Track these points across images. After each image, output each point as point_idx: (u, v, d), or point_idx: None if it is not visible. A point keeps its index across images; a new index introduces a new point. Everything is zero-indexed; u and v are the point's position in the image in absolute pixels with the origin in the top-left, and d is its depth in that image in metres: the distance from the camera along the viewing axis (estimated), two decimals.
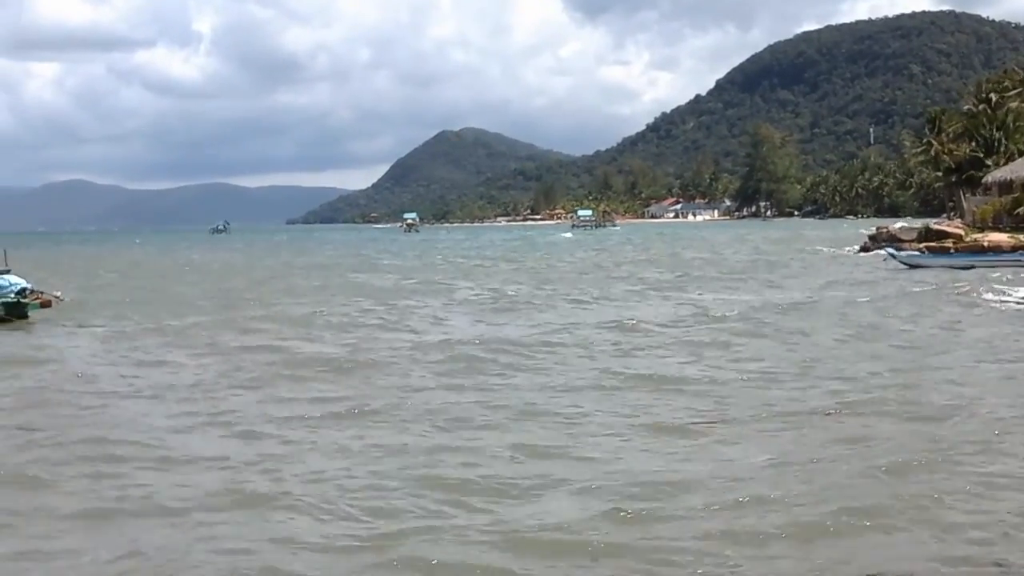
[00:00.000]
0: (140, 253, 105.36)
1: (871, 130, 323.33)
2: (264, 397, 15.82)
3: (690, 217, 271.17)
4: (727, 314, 26.38)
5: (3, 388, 17.42)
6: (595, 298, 33.51)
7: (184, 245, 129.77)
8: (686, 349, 20.17)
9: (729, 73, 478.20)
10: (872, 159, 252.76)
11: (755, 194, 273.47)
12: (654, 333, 22.90)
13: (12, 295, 28.55)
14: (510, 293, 36.21)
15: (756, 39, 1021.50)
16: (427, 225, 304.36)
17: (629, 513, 9.46)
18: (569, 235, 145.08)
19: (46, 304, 29.59)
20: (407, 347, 21.05)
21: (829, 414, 13.40)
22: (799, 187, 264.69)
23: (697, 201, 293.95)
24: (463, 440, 12.64)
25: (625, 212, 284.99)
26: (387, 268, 60.17)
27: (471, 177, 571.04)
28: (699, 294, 34.10)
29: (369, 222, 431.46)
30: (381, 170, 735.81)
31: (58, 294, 31.08)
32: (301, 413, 14.27)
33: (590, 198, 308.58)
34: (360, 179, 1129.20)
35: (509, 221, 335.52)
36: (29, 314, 28.86)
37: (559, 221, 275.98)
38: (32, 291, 29.49)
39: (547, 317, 27.45)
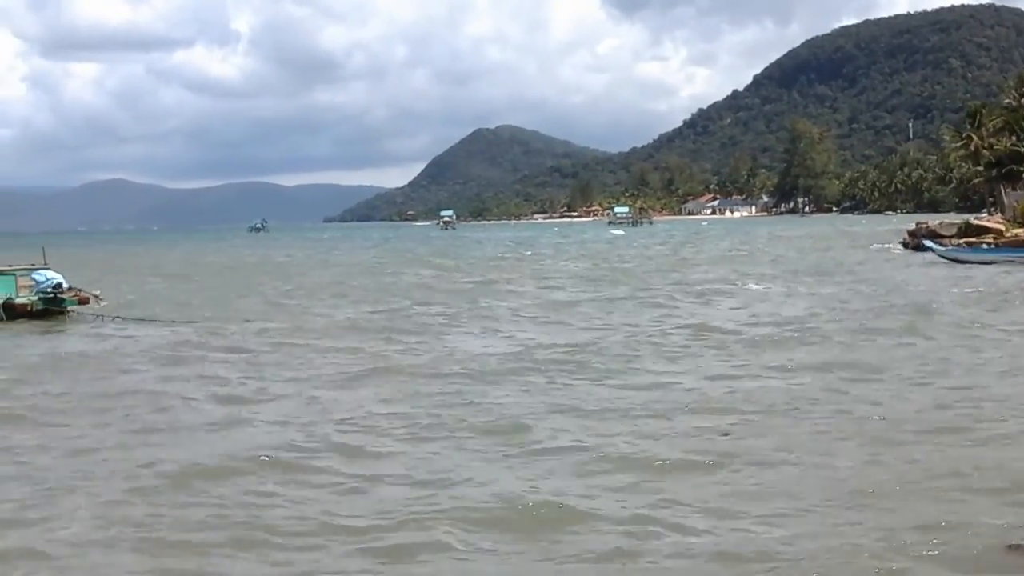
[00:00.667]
0: (187, 251, 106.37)
1: (910, 125, 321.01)
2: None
3: (727, 213, 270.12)
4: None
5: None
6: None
7: (233, 244, 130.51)
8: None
9: (766, 68, 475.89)
10: (911, 154, 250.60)
11: (793, 190, 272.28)
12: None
13: (49, 290, 29.17)
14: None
15: (794, 34, 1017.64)
16: (463, 223, 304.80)
17: None
18: (620, 232, 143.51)
19: (83, 300, 30.21)
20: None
21: None
22: (837, 182, 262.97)
23: (734, 197, 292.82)
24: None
25: (662, 209, 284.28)
26: (469, 268, 59.11)
27: (507, 175, 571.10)
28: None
29: (406, 220, 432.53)
30: (418, 168, 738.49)
31: (97, 292, 31.57)
32: None
33: (627, 195, 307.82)
34: (397, 177, 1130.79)
35: (545, 218, 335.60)
36: (67, 309, 29.50)
37: (596, 218, 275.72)
38: (70, 287, 30.04)
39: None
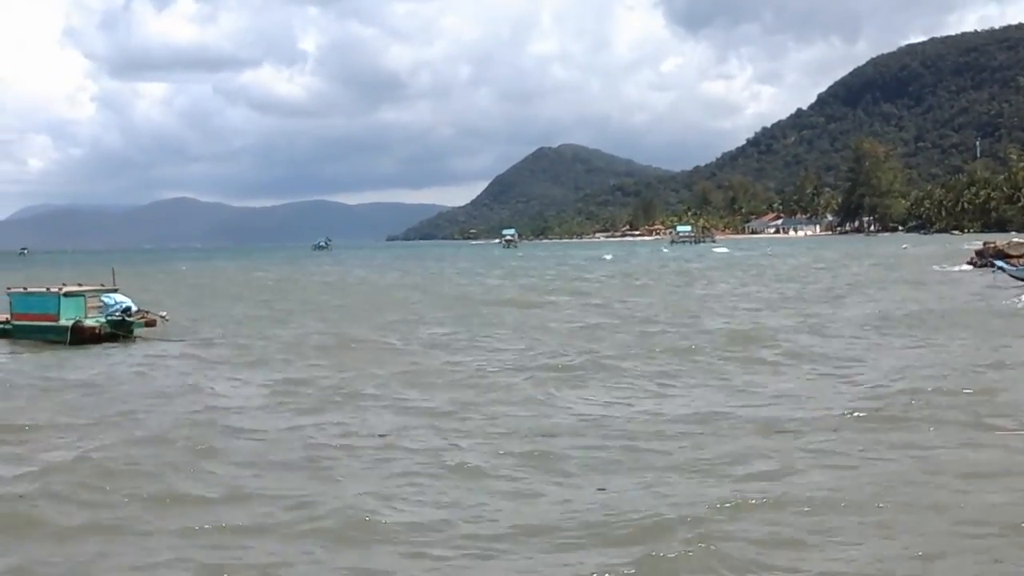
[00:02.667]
0: (255, 269, 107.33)
1: (977, 143, 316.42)
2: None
3: (791, 232, 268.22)
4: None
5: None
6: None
7: (318, 264, 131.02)
8: None
9: (831, 87, 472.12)
10: (978, 173, 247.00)
11: (858, 209, 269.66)
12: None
13: (118, 313, 29.54)
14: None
15: (861, 51, 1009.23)
16: (525, 241, 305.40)
17: None
18: (721, 251, 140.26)
19: (151, 323, 30.53)
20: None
21: None
22: (903, 201, 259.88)
23: (798, 216, 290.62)
24: None
25: (725, 228, 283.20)
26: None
27: (569, 193, 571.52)
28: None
29: (468, 238, 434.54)
30: (480, 186, 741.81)
31: (163, 314, 31.89)
32: None
33: (689, 213, 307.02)
34: (459, 196, 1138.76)
35: (607, 236, 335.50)
36: (134, 332, 29.88)
37: (658, 237, 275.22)
38: (138, 310, 30.44)
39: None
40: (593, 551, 9.67)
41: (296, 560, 9.73)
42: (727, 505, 10.85)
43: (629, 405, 17.40)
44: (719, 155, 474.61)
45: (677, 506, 10.90)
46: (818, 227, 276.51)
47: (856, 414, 15.69)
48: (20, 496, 12.24)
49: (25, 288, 32.17)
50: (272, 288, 64.01)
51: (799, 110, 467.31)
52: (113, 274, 32.85)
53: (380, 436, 14.89)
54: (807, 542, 9.76)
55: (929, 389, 17.58)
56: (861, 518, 10.39)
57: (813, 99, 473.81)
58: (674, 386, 19.32)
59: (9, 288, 32.47)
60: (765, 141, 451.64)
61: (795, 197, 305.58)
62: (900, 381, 18.66)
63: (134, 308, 30.25)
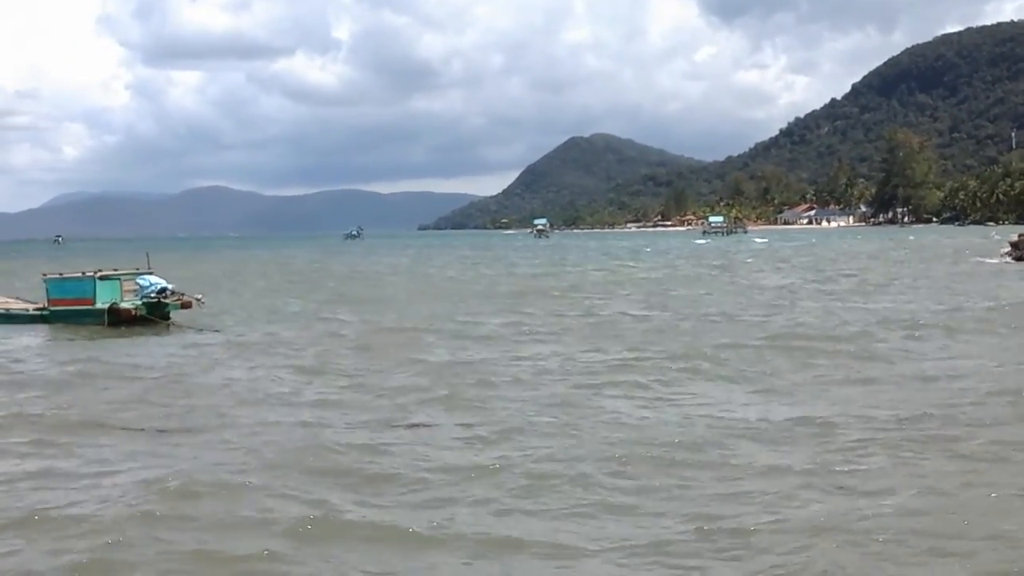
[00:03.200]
0: (289, 257, 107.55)
1: (1013, 134, 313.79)
2: None
3: (824, 223, 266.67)
4: None
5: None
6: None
7: (347, 252, 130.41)
8: None
9: (866, 77, 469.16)
10: (1014, 164, 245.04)
11: (892, 200, 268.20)
12: None
13: (153, 294, 29.75)
14: None
15: (898, 41, 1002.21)
16: (557, 231, 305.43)
17: None
18: (762, 241, 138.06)
19: (186, 305, 30.57)
20: None
21: None
22: (938, 193, 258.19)
23: (831, 207, 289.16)
24: None
25: (757, 218, 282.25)
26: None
27: (601, 183, 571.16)
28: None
29: (499, 228, 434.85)
30: (512, 176, 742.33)
31: (199, 296, 31.89)
32: None
33: (721, 204, 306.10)
34: (491, 185, 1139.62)
35: (639, 227, 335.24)
36: (171, 314, 30.10)
37: (689, 227, 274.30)
38: (173, 292, 30.60)
39: None
40: None
41: None
42: None
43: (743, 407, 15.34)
44: (752, 145, 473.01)
45: None
46: (851, 218, 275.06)
47: None
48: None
49: (61, 274, 32.45)
50: (318, 276, 63.51)
51: (833, 100, 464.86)
52: (148, 258, 33.00)
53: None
54: None
55: None
56: None
57: (847, 89, 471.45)
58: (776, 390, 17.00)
59: (45, 274, 32.79)
60: (798, 131, 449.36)
61: (828, 188, 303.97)
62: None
63: (169, 289, 30.41)
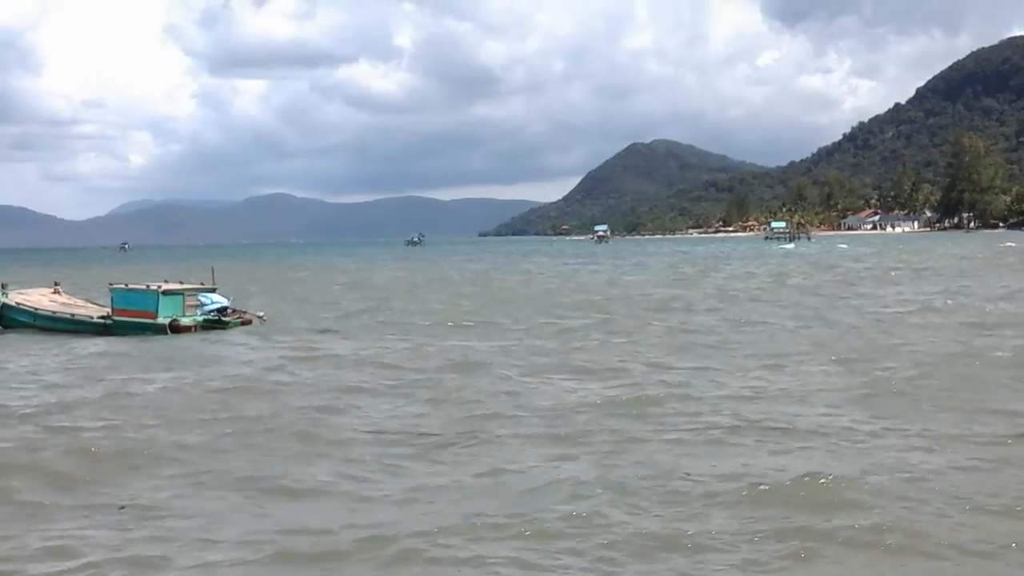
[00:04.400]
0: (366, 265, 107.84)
1: None
2: None
3: (888, 229, 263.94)
4: None
5: None
6: None
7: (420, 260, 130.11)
8: None
9: (931, 81, 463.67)
10: None
11: (957, 205, 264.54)
12: None
13: (213, 313, 30.23)
14: None
15: (963, 44, 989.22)
16: (617, 237, 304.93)
17: None
18: (844, 246, 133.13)
19: (246, 323, 31.20)
20: None
21: None
22: (1004, 198, 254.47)
23: (895, 212, 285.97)
24: None
25: (820, 224, 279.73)
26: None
27: (662, 189, 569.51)
28: None
29: (560, 234, 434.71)
30: (572, 182, 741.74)
31: (261, 314, 32.52)
32: None
33: (784, 209, 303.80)
34: (552, 191, 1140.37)
35: (700, 233, 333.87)
36: (230, 331, 30.54)
37: (752, 233, 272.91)
38: (234, 310, 31.08)
39: None
40: None
41: None
42: None
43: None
44: (815, 150, 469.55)
45: None
46: (916, 223, 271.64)
47: None
48: None
49: (126, 285, 33.03)
50: (401, 286, 61.07)
51: (897, 104, 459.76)
52: (212, 273, 33.47)
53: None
54: None
55: None
56: None
57: (912, 93, 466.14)
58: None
59: (111, 284, 33.43)
60: (862, 136, 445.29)
61: (892, 193, 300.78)
62: None
63: (230, 308, 30.93)
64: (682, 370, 20.11)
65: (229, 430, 15.07)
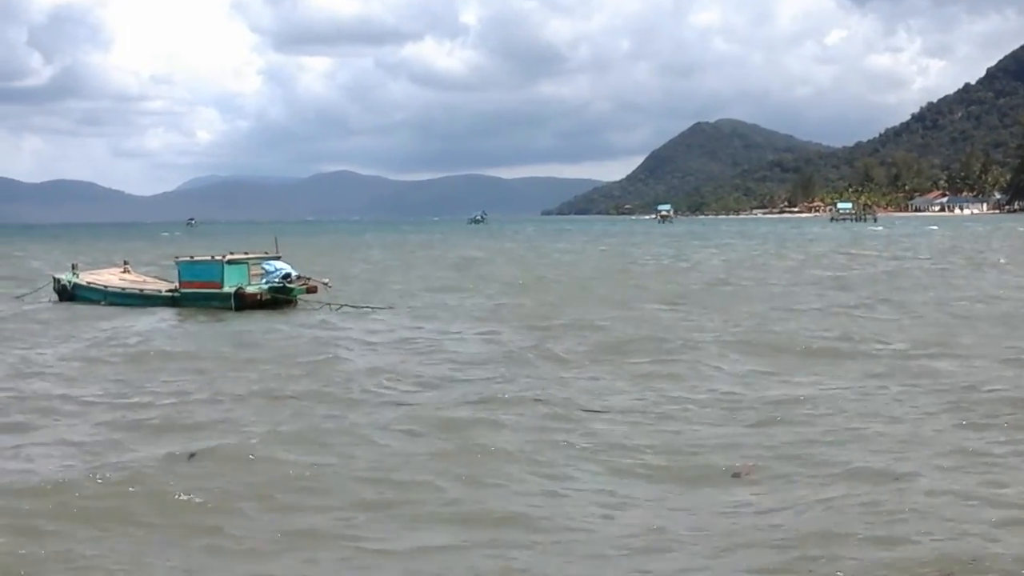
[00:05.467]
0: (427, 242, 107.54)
1: None
2: None
3: (956, 211, 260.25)
4: None
5: None
6: None
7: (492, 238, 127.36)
8: None
9: (1002, 60, 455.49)
10: None
11: None
12: None
13: (278, 280, 30.72)
14: None
15: None
16: (681, 217, 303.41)
17: None
18: (935, 227, 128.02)
19: (312, 289, 31.57)
20: None
21: None
22: None
23: (964, 194, 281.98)
24: None
25: (887, 205, 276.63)
26: None
27: (727, 169, 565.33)
28: None
29: (623, 213, 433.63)
30: (636, 161, 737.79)
31: (326, 280, 32.91)
32: None
33: (850, 190, 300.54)
34: (615, 170, 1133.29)
35: (765, 213, 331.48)
36: (296, 298, 31.15)
37: (817, 214, 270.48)
38: (299, 276, 31.56)
39: None
40: None
41: None
42: None
43: None
44: (882, 131, 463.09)
45: None
46: (985, 205, 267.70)
47: None
48: None
49: (192, 257, 33.79)
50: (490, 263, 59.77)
51: (967, 84, 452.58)
52: (275, 242, 33.80)
53: None
54: None
55: None
56: None
57: (982, 73, 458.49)
58: None
59: (177, 257, 34.15)
60: (931, 116, 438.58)
61: (961, 174, 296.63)
62: None
63: (294, 275, 31.33)
64: None
65: None
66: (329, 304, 30.43)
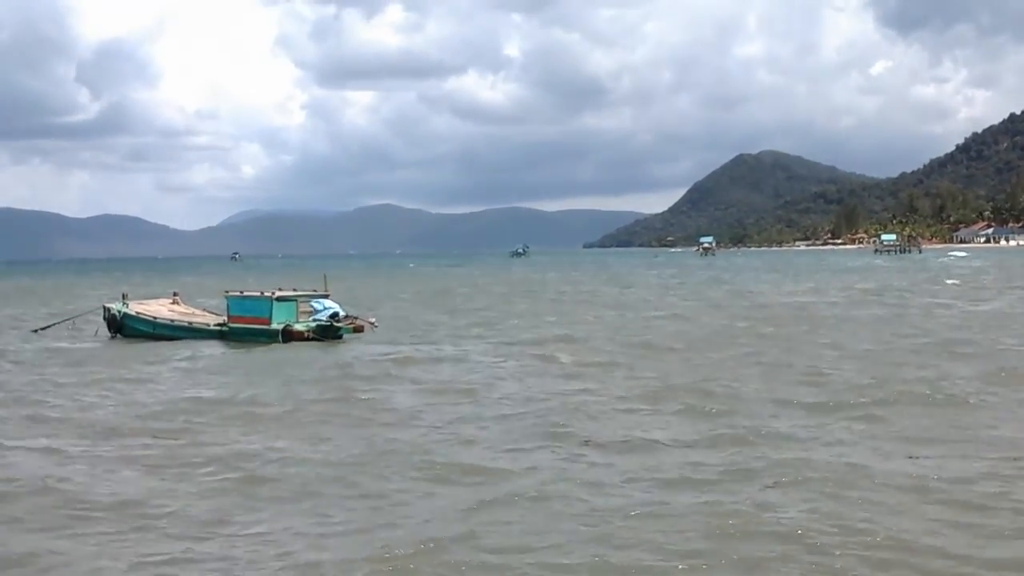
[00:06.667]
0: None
1: None
2: None
3: (1003, 242, 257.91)
4: None
5: None
6: None
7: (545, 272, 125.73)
8: None
9: None
10: None
11: None
12: None
13: (325, 319, 30.99)
14: None
15: None
16: (723, 249, 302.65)
17: None
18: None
19: (359, 329, 31.91)
20: None
21: None
22: None
23: (1010, 225, 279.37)
24: None
25: (931, 236, 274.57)
26: None
27: (769, 200, 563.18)
28: None
29: (664, 246, 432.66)
30: (678, 193, 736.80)
31: (372, 320, 33.29)
32: None
33: (894, 222, 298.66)
34: (657, 203, 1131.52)
35: (808, 245, 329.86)
36: (343, 336, 31.46)
37: (860, 246, 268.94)
38: (346, 316, 31.83)
39: None
40: None
41: None
42: None
43: None
44: (927, 161, 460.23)
45: None
46: None
47: None
48: None
49: (241, 292, 34.27)
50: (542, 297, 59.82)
51: (1012, 115, 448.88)
52: (325, 280, 34.14)
53: None
54: None
55: None
56: None
57: None
58: None
59: (227, 291, 34.75)
60: (975, 147, 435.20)
61: (1007, 205, 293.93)
62: None
63: (342, 314, 31.62)
64: None
65: None
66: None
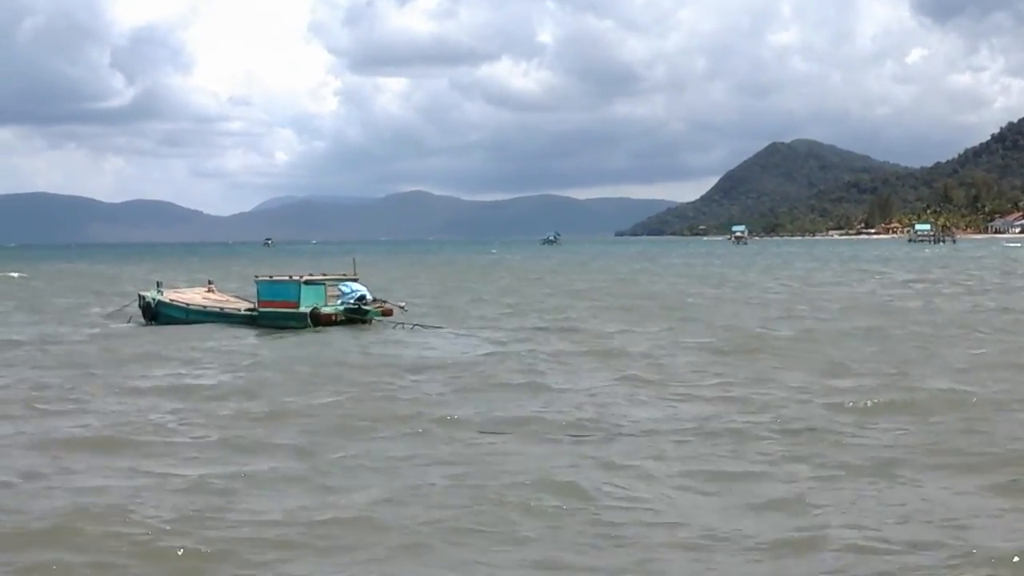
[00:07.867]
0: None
1: None
2: None
3: None
4: None
5: None
6: None
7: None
8: None
9: None
10: None
11: None
12: None
13: (353, 301, 31.22)
14: None
15: None
16: (756, 238, 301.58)
17: None
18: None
19: (387, 312, 32.04)
20: None
21: None
22: None
23: None
24: None
25: (966, 227, 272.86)
26: None
27: (802, 190, 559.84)
28: None
29: (696, 234, 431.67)
30: (711, 182, 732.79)
31: (402, 304, 33.59)
32: None
33: (928, 212, 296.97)
34: (689, 191, 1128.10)
35: (841, 234, 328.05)
36: (371, 319, 31.63)
37: (894, 236, 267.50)
38: (375, 299, 32.06)
39: None
40: None
41: None
42: None
43: None
44: (962, 151, 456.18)
45: None
46: None
47: None
48: None
49: (271, 276, 34.69)
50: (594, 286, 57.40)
51: None
52: (354, 264, 34.26)
53: None
54: None
55: None
56: None
57: None
58: None
59: (257, 276, 35.18)
60: (1011, 136, 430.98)
61: None
62: None
63: (369, 297, 31.85)
64: None
65: None
66: (403, 324, 31.07)
